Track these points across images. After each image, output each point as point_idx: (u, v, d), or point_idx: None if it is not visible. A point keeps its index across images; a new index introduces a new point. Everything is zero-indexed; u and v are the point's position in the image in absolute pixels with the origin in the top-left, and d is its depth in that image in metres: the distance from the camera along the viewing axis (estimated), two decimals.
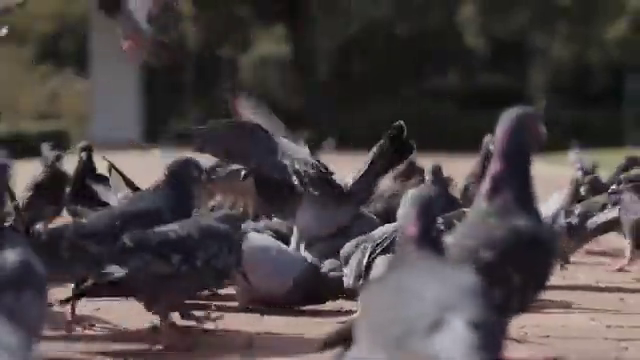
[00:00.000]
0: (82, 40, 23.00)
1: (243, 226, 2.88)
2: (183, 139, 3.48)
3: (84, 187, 3.77)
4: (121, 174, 3.49)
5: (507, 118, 2.16)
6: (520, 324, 2.65)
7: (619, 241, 4.29)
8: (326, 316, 2.95)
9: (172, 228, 2.62)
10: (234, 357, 2.45)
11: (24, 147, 13.30)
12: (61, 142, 16.88)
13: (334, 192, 3.27)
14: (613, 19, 22.90)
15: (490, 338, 1.53)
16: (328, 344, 1.91)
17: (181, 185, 2.78)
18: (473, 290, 1.61)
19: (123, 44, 3.27)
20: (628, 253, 3.91)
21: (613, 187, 3.89)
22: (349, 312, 2.98)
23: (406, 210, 1.73)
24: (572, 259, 3.96)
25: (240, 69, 26.09)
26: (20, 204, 3.64)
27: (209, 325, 2.68)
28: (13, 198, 3.09)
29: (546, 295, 2.84)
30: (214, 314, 2.69)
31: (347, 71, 25.12)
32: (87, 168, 3.99)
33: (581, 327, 2.86)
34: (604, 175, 5.25)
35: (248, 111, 3.45)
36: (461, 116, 21.20)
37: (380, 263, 2.81)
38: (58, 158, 4.47)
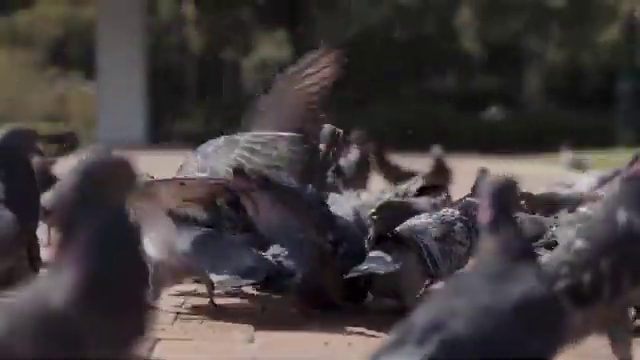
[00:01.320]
0: (89, 44, 23.00)
1: None
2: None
3: None
4: None
5: None
6: None
7: None
8: (327, 309, 2.94)
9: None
10: (235, 350, 2.43)
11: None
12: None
13: None
14: (605, 24, 22.91)
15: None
16: None
17: None
18: (486, 311, 1.54)
19: None
20: None
21: None
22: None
23: (480, 199, 1.69)
24: None
25: (242, 72, 26.09)
26: None
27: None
28: None
29: None
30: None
31: (347, 73, 25.09)
32: None
33: None
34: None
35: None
36: (459, 117, 21.20)
37: None
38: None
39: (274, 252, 2.74)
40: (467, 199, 3.13)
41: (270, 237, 2.77)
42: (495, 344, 1.52)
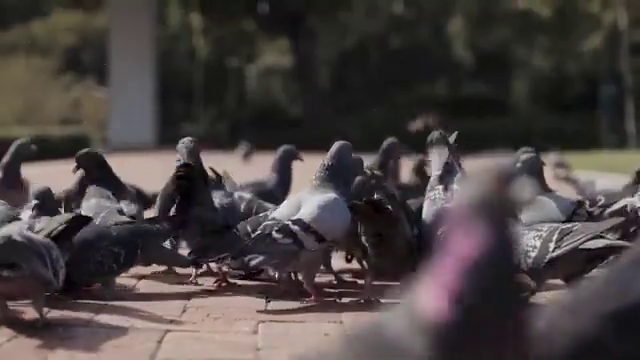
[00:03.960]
0: (102, 52, 23.02)
1: None
2: None
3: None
4: None
5: None
6: None
7: None
8: (328, 300, 2.93)
9: None
10: (239, 341, 2.42)
11: (49, 149, 13.32)
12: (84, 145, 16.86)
13: None
14: (588, 33, 22.92)
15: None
16: None
17: None
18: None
19: None
20: None
21: None
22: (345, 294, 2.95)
23: None
24: None
25: (246, 78, 26.11)
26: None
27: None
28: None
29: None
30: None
31: (345, 80, 25.13)
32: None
33: None
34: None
35: None
36: (450, 122, 21.20)
37: None
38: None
39: None
40: None
41: None
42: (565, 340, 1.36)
